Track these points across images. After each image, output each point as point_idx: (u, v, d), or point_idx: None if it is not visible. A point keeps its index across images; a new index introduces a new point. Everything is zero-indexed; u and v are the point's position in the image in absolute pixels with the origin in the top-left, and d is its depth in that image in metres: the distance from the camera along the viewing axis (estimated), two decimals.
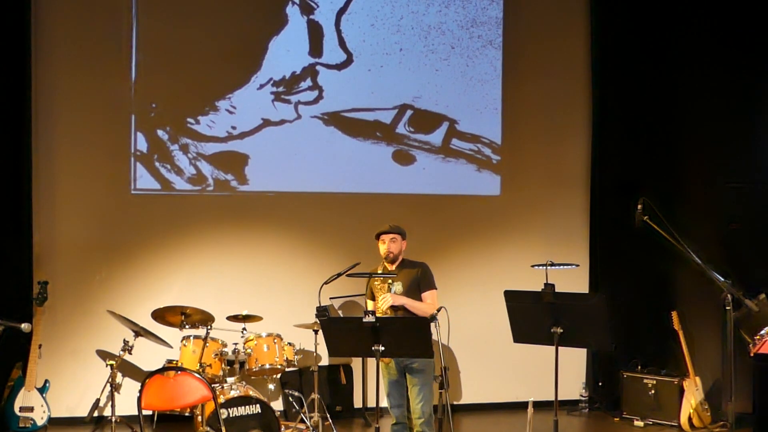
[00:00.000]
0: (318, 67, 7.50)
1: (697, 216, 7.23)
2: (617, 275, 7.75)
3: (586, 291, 7.72)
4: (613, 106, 7.86)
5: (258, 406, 5.86)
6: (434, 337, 4.95)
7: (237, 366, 6.38)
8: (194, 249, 7.27)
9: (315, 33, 7.49)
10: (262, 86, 7.38)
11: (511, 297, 4.91)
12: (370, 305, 5.65)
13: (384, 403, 5.65)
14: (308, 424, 6.33)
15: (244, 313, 6.47)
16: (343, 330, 4.93)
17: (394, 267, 5.59)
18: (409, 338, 4.75)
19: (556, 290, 4.76)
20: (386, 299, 5.44)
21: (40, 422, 6.51)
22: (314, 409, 6.46)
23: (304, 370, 7.03)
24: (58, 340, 6.93)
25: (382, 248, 5.60)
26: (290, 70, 7.44)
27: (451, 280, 7.12)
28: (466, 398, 7.70)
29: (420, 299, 5.55)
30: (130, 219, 7.17)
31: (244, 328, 6.50)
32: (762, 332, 5.84)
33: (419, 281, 5.59)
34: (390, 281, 5.50)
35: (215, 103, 7.30)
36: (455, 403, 7.57)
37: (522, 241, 7.79)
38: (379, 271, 5.60)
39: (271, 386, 6.65)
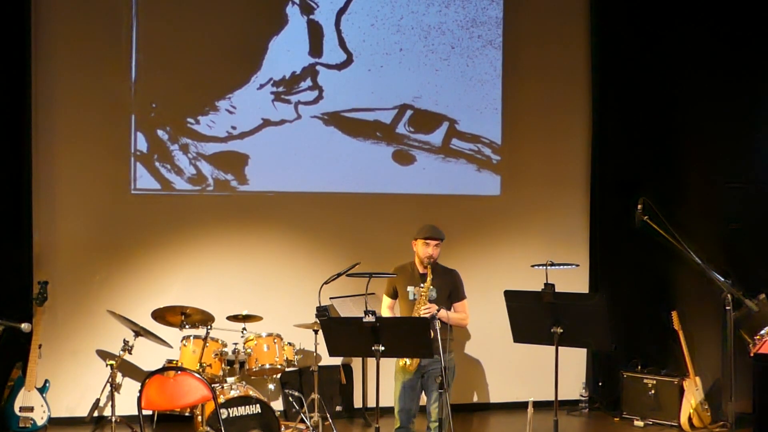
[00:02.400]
0: (318, 67, 7.49)
1: (697, 216, 7.22)
2: (617, 275, 7.74)
3: (586, 291, 7.72)
4: (613, 106, 7.86)
5: (258, 406, 5.86)
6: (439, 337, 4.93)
7: (237, 366, 6.38)
8: (194, 249, 7.26)
9: (315, 33, 7.49)
10: (262, 86, 7.38)
11: (511, 297, 4.91)
12: (387, 301, 5.57)
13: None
14: (308, 424, 6.33)
15: (244, 313, 6.47)
16: (343, 330, 4.93)
17: (428, 271, 5.44)
18: (409, 338, 4.75)
19: (556, 290, 4.77)
20: (430, 311, 5.25)
21: (40, 422, 6.50)
22: (314, 409, 6.46)
23: (304, 370, 7.03)
24: (58, 340, 6.93)
25: (424, 251, 5.44)
26: (290, 70, 7.44)
27: None
28: (466, 398, 7.70)
29: (448, 306, 5.45)
30: (130, 219, 7.16)
31: (244, 328, 6.50)
32: (762, 332, 5.86)
33: (451, 290, 5.51)
34: (422, 286, 5.34)
35: (215, 103, 7.30)
36: (455, 403, 7.55)
37: (522, 241, 7.79)
38: (420, 271, 5.44)
39: (271, 386, 6.65)
